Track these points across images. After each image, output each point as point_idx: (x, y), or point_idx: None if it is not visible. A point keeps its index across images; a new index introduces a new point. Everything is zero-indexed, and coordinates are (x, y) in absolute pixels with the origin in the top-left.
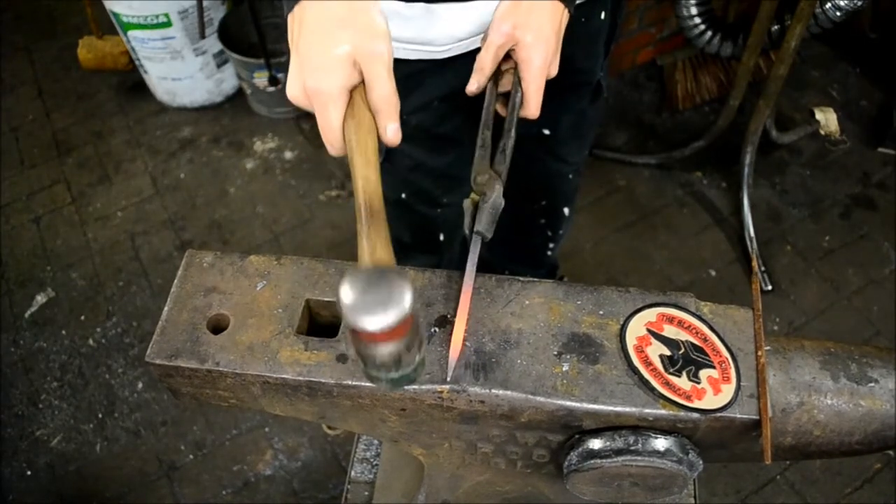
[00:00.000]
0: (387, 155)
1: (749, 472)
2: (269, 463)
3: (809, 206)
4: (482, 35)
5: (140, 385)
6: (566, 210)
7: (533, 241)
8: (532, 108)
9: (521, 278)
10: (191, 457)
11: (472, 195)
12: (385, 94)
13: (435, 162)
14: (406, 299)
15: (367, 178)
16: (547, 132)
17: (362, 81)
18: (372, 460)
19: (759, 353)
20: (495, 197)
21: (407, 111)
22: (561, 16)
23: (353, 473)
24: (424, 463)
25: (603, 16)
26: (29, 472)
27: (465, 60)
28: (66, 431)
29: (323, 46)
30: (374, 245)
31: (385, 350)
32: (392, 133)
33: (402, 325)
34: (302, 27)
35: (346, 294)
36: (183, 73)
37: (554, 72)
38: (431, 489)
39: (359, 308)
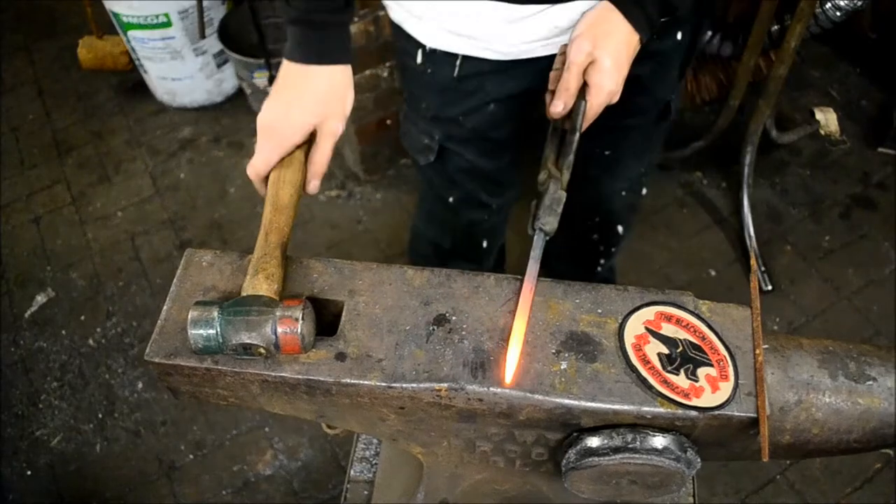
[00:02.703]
0: (439, 154)
1: (749, 472)
2: (269, 463)
3: (809, 206)
4: (547, 41)
5: (140, 385)
6: (620, 228)
7: (585, 256)
8: (583, 128)
9: (520, 276)
10: (191, 457)
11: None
12: (323, 160)
13: (486, 165)
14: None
15: (272, 221)
16: (608, 153)
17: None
18: (371, 459)
19: (758, 351)
20: (552, 192)
21: (463, 112)
22: (635, 44)
23: (352, 472)
24: (423, 462)
25: (679, 36)
26: (29, 472)
27: (523, 66)
28: (66, 431)
29: (299, 109)
30: (273, 272)
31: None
32: (314, 187)
33: None
34: (293, 82)
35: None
36: (183, 73)
37: (616, 99)
38: (430, 488)
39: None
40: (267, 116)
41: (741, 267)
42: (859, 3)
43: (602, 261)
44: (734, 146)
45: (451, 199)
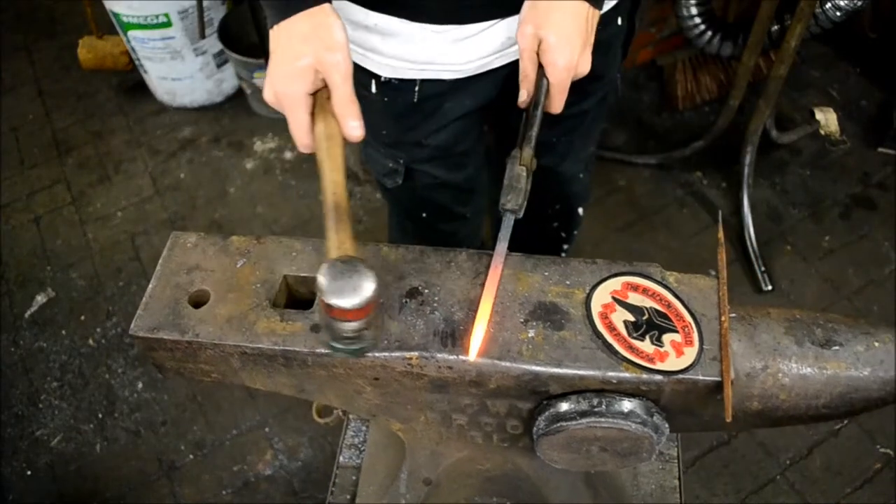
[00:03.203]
0: (406, 175)
1: (749, 472)
2: (269, 463)
3: (809, 206)
4: (502, 53)
5: (140, 385)
6: (580, 210)
7: (547, 246)
8: (556, 105)
9: (490, 252)
10: (191, 457)
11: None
12: (343, 98)
13: (454, 177)
14: (371, 287)
15: (335, 182)
16: (564, 138)
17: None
18: (360, 446)
19: (723, 317)
20: (509, 170)
21: (426, 135)
22: (587, 13)
23: (341, 459)
24: (405, 439)
25: (620, 21)
26: (29, 472)
27: (481, 80)
28: (66, 431)
29: (289, 58)
30: (342, 239)
31: (349, 326)
32: (353, 129)
33: (366, 308)
34: (277, 42)
35: (324, 278)
36: (183, 73)
37: (583, 69)
38: (413, 467)
39: (334, 290)
40: (267, 89)
41: (741, 267)
42: (859, 3)
43: (565, 246)
44: (734, 146)
45: (424, 215)
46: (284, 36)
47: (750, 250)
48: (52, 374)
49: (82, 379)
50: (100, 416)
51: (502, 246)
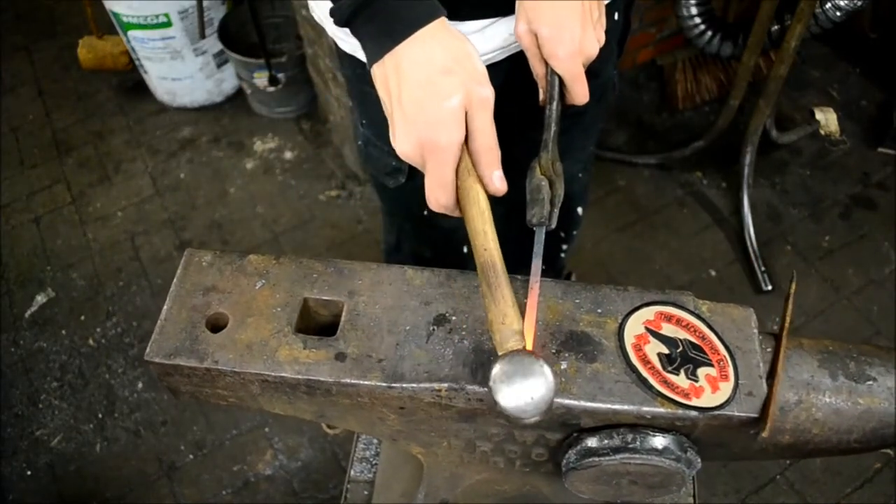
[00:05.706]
0: (409, 174)
1: (749, 472)
2: (269, 463)
3: (809, 206)
4: (504, 49)
5: (140, 385)
6: (579, 210)
7: (547, 246)
8: (578, 96)
9: (520, 276)
10: (191, 457)
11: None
12: (490, 143)
13: None
14: (549, 394)
15: (485, 234)
16: (563, 138)
17: None
18: (371, 459)
19: (775, 381)
20: (528, 182)
21: None
22: None
23: (352, 472)
24: (423, 462)
25: (616, 16)
26: (29, 472)
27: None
28: (66, 431)
29: (434, 98)
30: (504, 311)
31: (524, 423)
32: (498, 181)
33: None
34: (402, 78)
35: (497, 382)
36: (183, 73)
37: (591, 51)
38: (430, 488)
39: (513, 405)
40: (405, 138)
41: (741, 267)
42: (859, 3)
43: (564, 246)
44: (734, 146)
45: (425, 213)
46: (416, 67)
47: (750, 250)
48: (52, 374)
49: (82, 379)
50: (100, 416)
51: (537, 263)
